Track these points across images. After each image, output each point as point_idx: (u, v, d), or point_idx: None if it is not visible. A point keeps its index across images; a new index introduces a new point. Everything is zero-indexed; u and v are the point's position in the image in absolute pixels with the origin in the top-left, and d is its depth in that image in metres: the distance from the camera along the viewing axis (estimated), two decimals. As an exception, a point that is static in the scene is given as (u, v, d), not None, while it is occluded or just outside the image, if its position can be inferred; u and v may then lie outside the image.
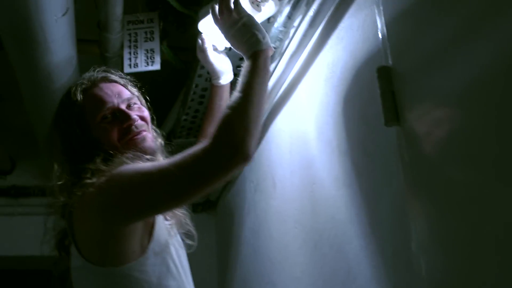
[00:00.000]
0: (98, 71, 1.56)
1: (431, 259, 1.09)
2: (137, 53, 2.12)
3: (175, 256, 1.50)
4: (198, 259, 3.15)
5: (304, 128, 1.84)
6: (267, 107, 2.17)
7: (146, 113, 1.55)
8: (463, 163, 1.01)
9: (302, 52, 1.82)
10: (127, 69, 2.10)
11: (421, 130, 1.13)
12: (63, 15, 1.87)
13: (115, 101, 1.49)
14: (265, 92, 1.40)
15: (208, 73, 2.26)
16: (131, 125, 1.47)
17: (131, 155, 1.41)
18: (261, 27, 1.48)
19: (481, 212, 0.95)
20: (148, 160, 1.43)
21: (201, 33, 1.77)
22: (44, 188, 3.13)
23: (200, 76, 2.30)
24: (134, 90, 1.59)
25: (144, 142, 1.48)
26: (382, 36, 1.30)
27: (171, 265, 1.46)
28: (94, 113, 1.47)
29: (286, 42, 1.88)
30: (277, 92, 2.05)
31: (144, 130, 1.51)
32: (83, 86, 1.50)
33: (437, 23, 1.09)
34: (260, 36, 1.43)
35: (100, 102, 1.48)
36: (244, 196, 2.62)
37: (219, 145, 1.26)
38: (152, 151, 1.50)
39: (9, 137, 3.19)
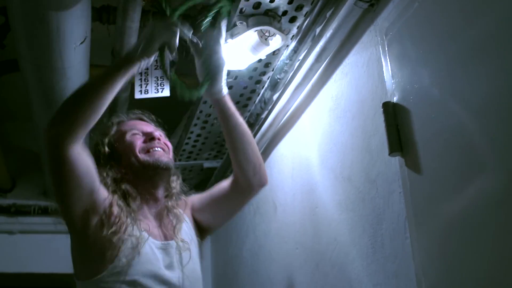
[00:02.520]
0: (133, 113, 1.84)
1: (431, 280, 1.20)
2: (147, 80, 2.22)
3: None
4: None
5: (307, 154, 1.96)
6: (269, 133, 2.29)
7: (169, 144, 1.75)
8: (461, 192, 1.13)
9: (307, 84, 1.94)
10: (137, 95, 2.20)
11: (423, 160, 1.25)
12: (81, 43, 1.98)
13: (149, 129, 1.73)
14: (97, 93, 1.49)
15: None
16: (154, 138, 1.68)
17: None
18: None
19: (479, 238, 1.07)
20: None
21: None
22: (45, 206, 3.23)
23: (205, 102, 2.41)
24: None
25: (161, 156, 1.66)
26: (386, 74, 1.42)
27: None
28: (128, 128, 1.72)
29: (291, 74, 2.00)
30: (281, 119, 2.17)
31: (164, 149, 1.70)
32: (119, 119, 1.78)
33: (437, 62, 1.22)
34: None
35: (133, 125, 1.74)
36: (243, 218, 2.72)
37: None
38: (166, 166, 1.65)
39: (11, 156, 3.26)
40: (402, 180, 1.33)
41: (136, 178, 1.65)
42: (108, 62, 2.29)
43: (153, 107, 2.39)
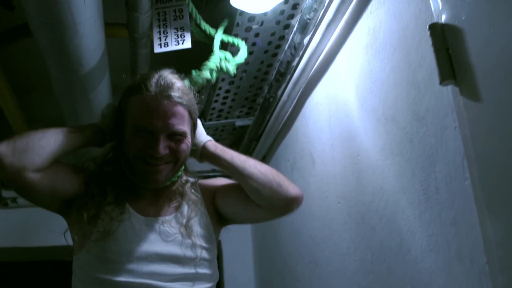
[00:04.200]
0: (167, 84, 1.38)
1: (501, 224, 1.02)
2: (166, 32, 2.06)
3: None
4: (233, 245, 3.17)
5: (344, 99, 1.78)
6: (302, 83, 2.11)
7: (182, 149, 1.40)
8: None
9: (339, 21, 1.75)
10: (157, 49, 2.05)
11: (482, 86, 1.06)
12: (91, -5, 1.83)
13: (159, 125, 1.36)
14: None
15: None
16: (152, 155, 1.37)
17: None
18: None
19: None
20: None
21: None
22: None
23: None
24: (187, 120, 1.42)
25: (154, 175, 1.40)
26: (431, -8, 1.23)
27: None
28: (136, 118, 1.38)
29: (321, 12, 1.81)
30: (313, 64, 1.99)
31: (164, 164, 1.40)
32: (146, 91, 1.37)
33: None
34: None
35: (146, 115, 1.36)
36: (279, 176, 2.56)
37: None
38: (156, 184, 1.43)
39: (36, 128, 3.17)
40: (457, 113, 1.15)
41: (131, 173, 1.46)
42: (123, 18, 2.13)
43: (177, 63, 2.24)
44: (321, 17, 1.82)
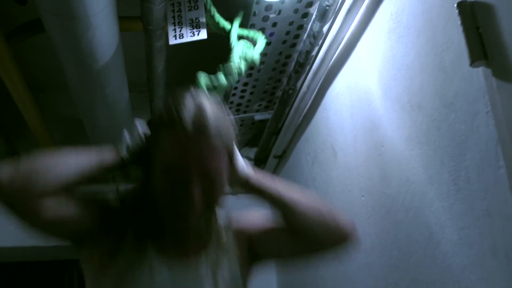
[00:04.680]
0: (205, 121, 1.15)
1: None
2: (181, 23, 2.01)
3: None
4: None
5: (366, 88, 1.71)
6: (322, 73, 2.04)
7: (216, 187, 1.21)
8: None
9: (360, 6, 1.68)
10: (172, 41, 1.99)
11: (516, 65, 0.98)
12: (102, -14, 1.78)
13: (194, 164, 1.17)
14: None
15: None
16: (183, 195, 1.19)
17: None
18: None
19: None
20: None
21: None
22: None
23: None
24: (224, 155, 1.21)
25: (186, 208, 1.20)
26: (458, -32, 1.15)
27: None
28: (167, 156, 1.18)
29: (341, -2, 1.74)
30: (334, 53, 1.91)
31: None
32: (182, 129, 1.15)
33: None
34: None
35: (180, 154, 1.17)
36: (300, 171, 2.49)
37: None
38: (186, 220, 1.23)
39: (56, 126, 3.15)
40: (489, 96, 1.07)
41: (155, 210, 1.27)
42: (136, 11, 2.08)
43: (192, 55, 2.18)
44: (340, 4, 1.75)
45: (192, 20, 2.02)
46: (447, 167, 1.26)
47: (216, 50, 2.10)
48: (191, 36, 1.98)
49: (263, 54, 2.24)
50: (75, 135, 3.22)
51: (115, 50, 2.16)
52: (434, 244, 1.34)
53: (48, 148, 2.96)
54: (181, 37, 1.99)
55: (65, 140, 3.21)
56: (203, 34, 2.00)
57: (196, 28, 2.00)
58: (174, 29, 2.00)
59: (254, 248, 1.36)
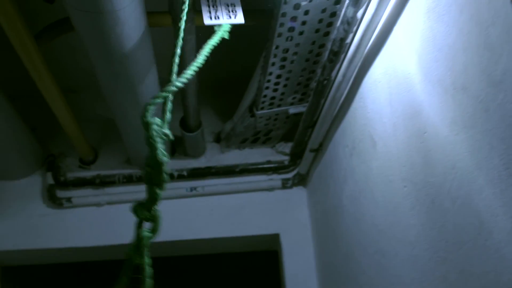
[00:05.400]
0: None
1: None
2: (216, 6, 1.94)
3: None
4: (291, 236, 3.05)
5: (405, 72, 1.63)
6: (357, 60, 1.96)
7: None
8: None
9: (396, -14, 1.60)
10: (207, 21, 1.91)
11: None
12: (128, -21, 1.75)
13: None
14: None
15: (289, 30, 2.08)
16: None
17: None
18: None
19: None
20: None
21: None
22: (129, 174, 3.08)
23: (280, 35, 2.12)
24: None
25: None
26: None
27: None
28: None
29: (375, -20, 1.66)
30: (369, 39, 1.83)
31: None
32: None
33: None
34: None
35: None
36: (338, 164, 2.42)
37: None
38: None
39: (89, 127, 3.16)
40: (543, 70, 0.99)
41: None
42: (164, 5, 2.05)
43: (225, 53, 2.13)
44: (375, -14, 1.67)
45: (227, 4, 1.95)
46: (497, 151, 1.17)
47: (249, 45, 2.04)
48: (228, 18, 1.91)
49: (296, 44, 2.18)
50: (108, 135, 3.22)
51: (146, 46, 2.13)
52: (486, 234, 1.26)
53: (81, 148, 2.97)
54: (217, 18, 1.92)
55: (97, 140, 3.21)
56: (240, 18, 1.93)
57: (233, 12, 1.93)
58: (209, 10, 1.93)
59: None
